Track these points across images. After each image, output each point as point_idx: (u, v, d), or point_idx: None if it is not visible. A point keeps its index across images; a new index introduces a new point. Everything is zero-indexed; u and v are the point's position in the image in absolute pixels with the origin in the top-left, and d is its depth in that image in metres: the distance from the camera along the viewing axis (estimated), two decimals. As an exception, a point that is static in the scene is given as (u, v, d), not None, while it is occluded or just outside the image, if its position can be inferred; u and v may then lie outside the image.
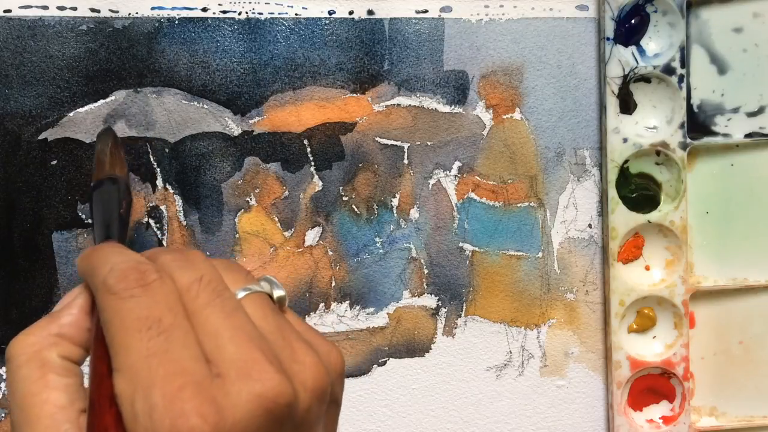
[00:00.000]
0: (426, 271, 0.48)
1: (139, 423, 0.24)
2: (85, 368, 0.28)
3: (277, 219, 0.47)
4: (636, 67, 0.48)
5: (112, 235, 0.34)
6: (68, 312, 0.30)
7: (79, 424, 0.27)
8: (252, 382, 0.25)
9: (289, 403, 0.26)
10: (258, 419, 0.25)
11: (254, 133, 0.46)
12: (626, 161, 0.48)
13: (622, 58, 0.48)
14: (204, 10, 0.45)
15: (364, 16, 0.47)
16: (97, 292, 0.28)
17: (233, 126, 0.46)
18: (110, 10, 0.44)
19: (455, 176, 0.48)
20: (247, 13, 0.46)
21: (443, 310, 0.48)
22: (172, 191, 0.45)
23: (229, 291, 0.28)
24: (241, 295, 0.29)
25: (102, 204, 0.35)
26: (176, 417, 0.24)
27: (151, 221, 0.45)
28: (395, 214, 0.48)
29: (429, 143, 0.48)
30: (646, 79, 0.48)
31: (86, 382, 0.28)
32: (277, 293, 0.30)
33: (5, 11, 0.43)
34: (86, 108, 0.44)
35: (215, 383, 0.25)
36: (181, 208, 0.46)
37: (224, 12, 0.45)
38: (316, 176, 0.47)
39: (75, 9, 0.44)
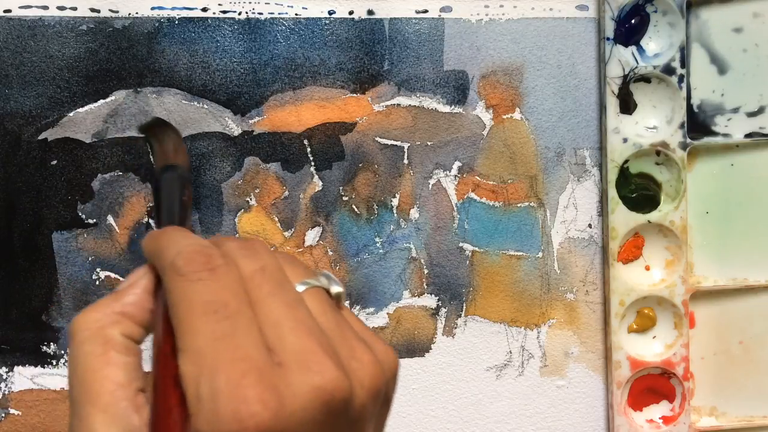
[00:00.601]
0: (426, 271, 0.48)
1: (203, 406, 0.25)
2: (145, 348, 0.29)
3: (277, 219, 0.47)
4: (636, 67, 0.48)
5: (175, 221, 0.34)
6: (132, 291, 0.30)
7: (136, 402, 0.27)
8: (311, 374, 0.26)
9: (345, 399, 0.26)
10: (315, 411, 0.26)
11: (254, 133, 0.46)
12: (626, 161, 0.48)
13: (622, 58, 0.48)
14: (204, 10, 0.45)
15: (364, 16, 0.47)
16: (164, 274, 0.28)
17: (233, 126, 0.46)
18: (110, 10, 0.44)
19: (455, 176, 0.48)
20: (247, 13, 0.46)
21: (443, 310, 0.48)
22: (172, 191, 0.45)
23: (290, 283, 0.29)
24: (301, 288, 0.29)
25: (168, 190, 0.35)
26: (239, 403, 0.24)
27: (151, 221, 0.45)
28: (395, 214, 0.48)
29: (429, 143, 0.48)
30: (646, 79, 0.48)
31: (145, 363, 0.29)
32: (335, 289, 0.30)
33: (5, 11, 0.43)
34: (86, 108, 0.44)
35: (276, 372, 0.26)
36: (181, 208, 0.46)
37: (224, 12, 0.45)
38: (316, 176, 0.47)
39: (75, 9, 0.44)
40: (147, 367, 0.28)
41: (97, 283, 0.45)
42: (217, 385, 0.25)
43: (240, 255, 0.29)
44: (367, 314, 0.48)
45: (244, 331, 0.26)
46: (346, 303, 0.47)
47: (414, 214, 0.48)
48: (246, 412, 0.24)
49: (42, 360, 0.45)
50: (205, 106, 0.46)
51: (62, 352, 0.45)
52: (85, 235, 0.45)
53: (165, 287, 0.28)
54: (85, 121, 0.45)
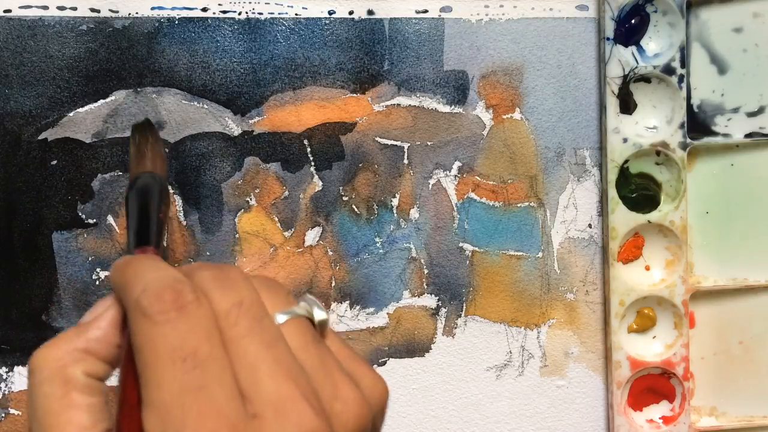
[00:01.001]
0: (426, 271, 0.48)
1: None
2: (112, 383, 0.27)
3: (277, 219, 0.47)
4: (636, 67, 0.48)
5: (149, 241, 0.31)
6: (97, 325, 0.27)
7: None
8: (290, 425, 0.24)
9: None
10: None
11: (254, 133, 0.46)
12: (626, 161, 0.48)
13: (622, 58, 0.48)
14: (204, 10, 0.45)
15: (364, 16, 0.47)
16: (129, 312, 0.26)
17: (233, 126, 0.46)
18: (110, 10, 0.44)
19: (455, 176, 0.48)
20: (247, 13, 0.46)
21: (443, 310, 0.48)
22: (172, 191, 0.45)
23: (269, 317, 0.27)
24: (281, 319, 0.27)
25: (138, 203, 0.32)
26: None
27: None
28: (395, 214, 0.48)
29: (429, 143, 0.48)
30: (646, 79, 0.48)
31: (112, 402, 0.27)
32: (319, 316, 0.28)
33: (5, 11, 0.43)
34: (86, 108, 0.44)
35: (251, 425, 0.24)
36: (181, 208, 0.46)
37: (224, 12, 0.45)
38: (316, 176, 0.47)
39: (75, 9, 0.44)
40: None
41: (97, 283, 0.45)
42: None
43: (214, 287, 0.26)
44: (367, 314, 0.48)
45: (215, 381, 0.24)
46: (346, 303, 0.47)
47: (414, 214, 0.48)
48: None
49: (42, 360, 0.45)
50: (205, 106, 0.46)
51: (62, 352, 0.45)
52: (85, 235, 0.45)
53: (130, 328, 0.26)
54: (85, 121, 0.45)
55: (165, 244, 0.34)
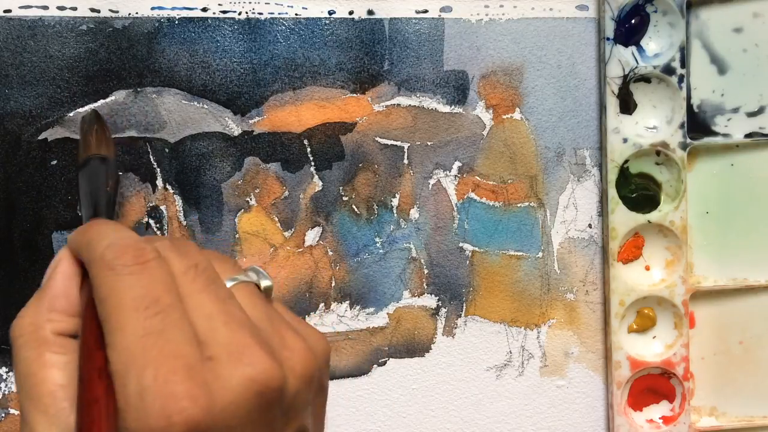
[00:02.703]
0: (426, 271, 0.48)
1: (131, 403, 0.25)
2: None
3: (277, 219, 0.47)
4: (636, 67, 0.48)
5: (100, 214, 0.33)
6: (53, 284, 0.30)
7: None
8: (243, 366, 0.26)
9: (278, 387, 0.26)
10: (248, 402, 0.26)
11: (254, 133, 0.46)
12: (626, 161, 0.48)
13: (622, 58, 0.48)
14: (204, 10, 0.45)
15: (364, 16, 0.47)
16: (92, 267, 0.28)
17: (233, 126, 0.46)
18: (110, 10, 0.44)
19: (455, 176, 0.48)
20: (247, 13, 0.46)
21: (443, 310, 0.48)
22: (172, 191, 0.45)
23: (221, 279, 0.29)
24: (230, 284, 0.29)
25: (88, 182, 0.35)
26: (167, 399, 0.24)
27: (151, 221, 0.45)
28: (395, 214, 0.48)
29: (429, 143, 0.48)
30: (646, 79, 0.48)
31: None
32: (264, 283, 0.31)
33: (5, 11, 0.43)
34: (86, 108, 0.44)
35: (207, 366, 0.26)
36: (181, 208, 0.46)
37: (224, 12, 0.45)
38: (316, 176, 0.47)
39: (75, 9, 0.44)
40: None
41: (97, 283, 0.45)
42: (145, 382, 0.25)
43: (171, 253, 0.29)
44: (367, 314, 0.48)
45: (174, 327, 0.26)
46: (346, 303, 0.47)
47: (414, 214, 0.48)
48: (174, 408, 0.24)
49: (42, 360, 0.45)
50: (205, 106, 0.46)
51: (62, 352, 0.45)
52: (85, 235, 0.45)
53: (93, 281, 0.28)
54: (85, 121, 0.45)
55: (118, 218, 0.37)
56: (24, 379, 0.28)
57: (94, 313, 0.27)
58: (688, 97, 0.49)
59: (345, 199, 0.47)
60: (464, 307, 0.48)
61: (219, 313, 0.27)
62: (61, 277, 0.30)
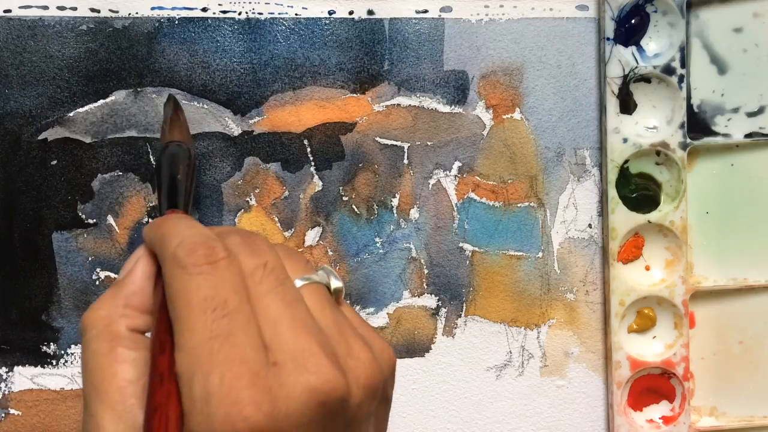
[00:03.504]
0: (426, 271, 0.48)
1: (196, 406, 0.25)
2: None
3: (277, 219, 0.47)
4: (636, 67, 0.48)
5: (177, 204, 0.33)
6: (131, 280, 0.30)
7: (145, 399, 0.27)
8: (307, 374, 0.26)
9: (342, 398, 0.26)
10: (311, 411, 0.25)
11: (254, 133, 0.46)
12: (626, 161, 0.48)
13: (622, 58, 0.48)
14: (204, 10, 0.45)
15: (364, 16, 0.47)
16: (164, 264, 0.28)
17: (233, 126, 0.46)
18: (110, 10, 0.44)
19: (455, 176, 0.48)
20: (247, 13, 0.46)
21: (443, 310, 0.48)
22: (172, 191, 0.45)
23: (290, 280, 0.29)
24: (300, 284, 0.29)
25: (166, 169, 0.35)
26: (231, 405, 0.24)
27: (151, 221, 0.45)
28: (395, 214, 0.48)
29: (429, 143, 0.48)
30: (646, 79, 0.48)
31: None
32: (335, 284, 0.30)
33: (5, 11, 0.44)
34: (86, 108, 0.44)
35: (271, 372, 0.25)
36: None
37: (224, 12, 0.45)
38: (316, 176, 0.47)
39: (75, 9, 0.44)
40: None
41: (97, 283, 0.45)
42: (210, 387, 0.25)
43: (242, 250, 0.28)
44: (367, 314, 0.48)
45: (241, 330, 0.26)
46: (346, 303, 0.47)
47: (414, 214, 0.48)
48: (238, 414, 0.24)
49: (42, 360, 0.45)
50: (205, 106, 0.46)
51: (62, 352, 0.45)
52: (85, 235, 0.45)
53: (165, 279, 0.28)
54: (85, 121, 0.45)
55: (191, 206, 0.37)
56: (93, 373, 0.28)
57: (165, 313, 0.27)
58: (688, 97, 0.49)
59: (345, 199, 0.47)
60: (464, 307, 0.48)
61: (285, 318, 0.27)
62: (140, 273, 0.30)
